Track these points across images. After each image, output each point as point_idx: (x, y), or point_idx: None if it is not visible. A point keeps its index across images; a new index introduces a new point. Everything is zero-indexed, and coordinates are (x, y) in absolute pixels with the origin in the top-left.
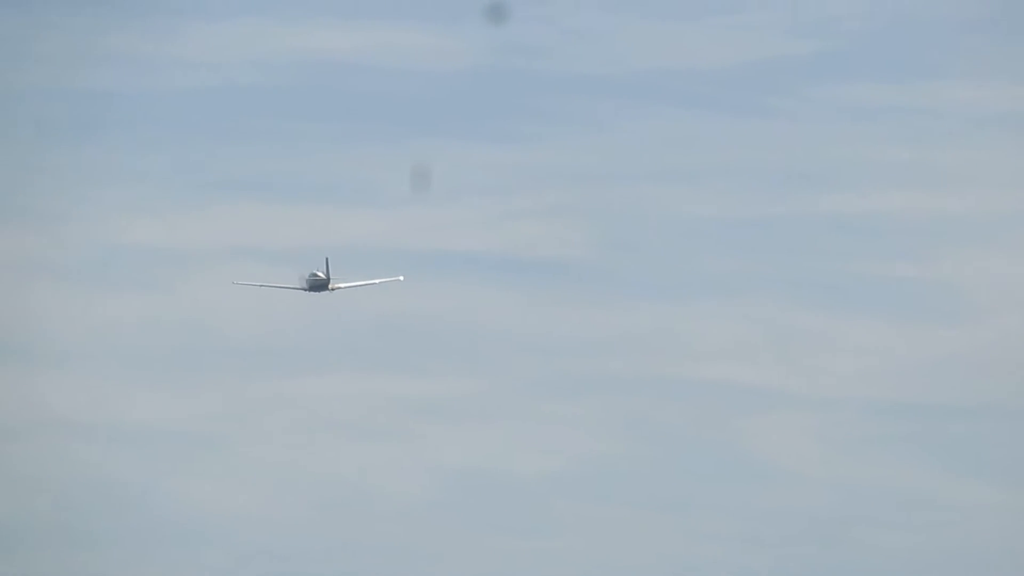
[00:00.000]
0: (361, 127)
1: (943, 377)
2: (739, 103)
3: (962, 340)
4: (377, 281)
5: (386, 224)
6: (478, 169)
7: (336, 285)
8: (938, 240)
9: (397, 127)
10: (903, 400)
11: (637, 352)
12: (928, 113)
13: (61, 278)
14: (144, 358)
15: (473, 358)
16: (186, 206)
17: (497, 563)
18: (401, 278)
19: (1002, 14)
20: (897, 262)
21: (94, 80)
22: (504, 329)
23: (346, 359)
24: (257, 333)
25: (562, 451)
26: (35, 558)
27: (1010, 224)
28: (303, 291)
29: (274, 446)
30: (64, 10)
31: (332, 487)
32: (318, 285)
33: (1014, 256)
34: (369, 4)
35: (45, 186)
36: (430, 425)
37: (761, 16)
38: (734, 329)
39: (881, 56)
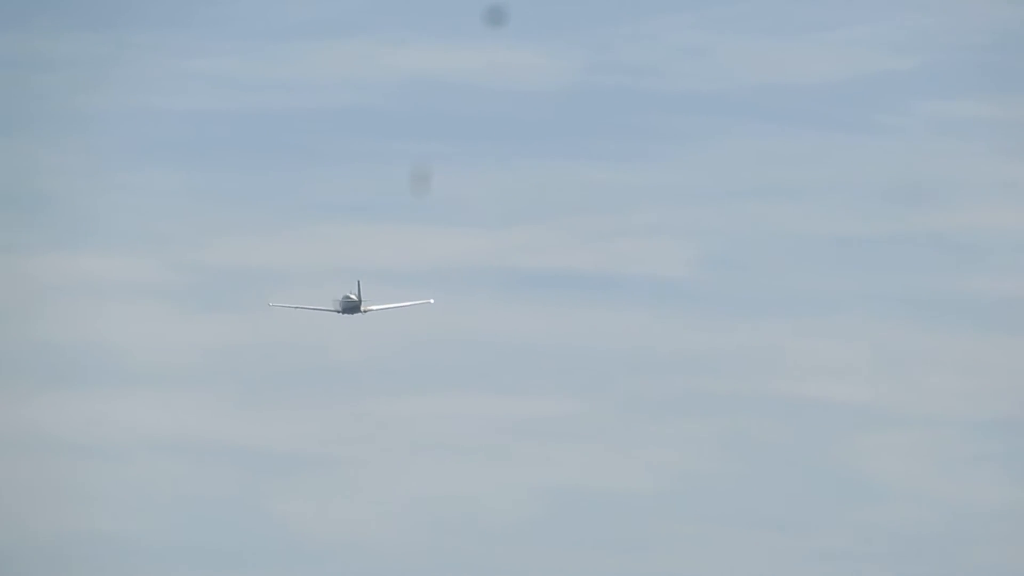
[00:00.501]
0: (463, 147)
1: None
2: (842, 119)
3: None
4: (408, 304)
5: (487, 243)
6: (581, 188)
7: (368, 308)
8: None
9: (499, 146)
10: (1007, 417)
11: (737, 370)
12: None
13: (164, 299)
14: (249, 380)
15: (573, 377)
16: (288, 227)
17: None
18: (431, 301)
19: None
20: (1003, 279)
21: (194, 102)
22: (605, 348)
23: (448, 379)
24: (360, 354)
25: (662, 470)
26: None
27: None
28: (337, 313)
29: (379, 466)
30: (162, 30)
31: (436, 506)
32: (351, 307)
33: None
34: (468, 24)
35: (146, 208)
36: (531, 444)
37: (864, 31)
38: (836, 347)
39: (986, 70)
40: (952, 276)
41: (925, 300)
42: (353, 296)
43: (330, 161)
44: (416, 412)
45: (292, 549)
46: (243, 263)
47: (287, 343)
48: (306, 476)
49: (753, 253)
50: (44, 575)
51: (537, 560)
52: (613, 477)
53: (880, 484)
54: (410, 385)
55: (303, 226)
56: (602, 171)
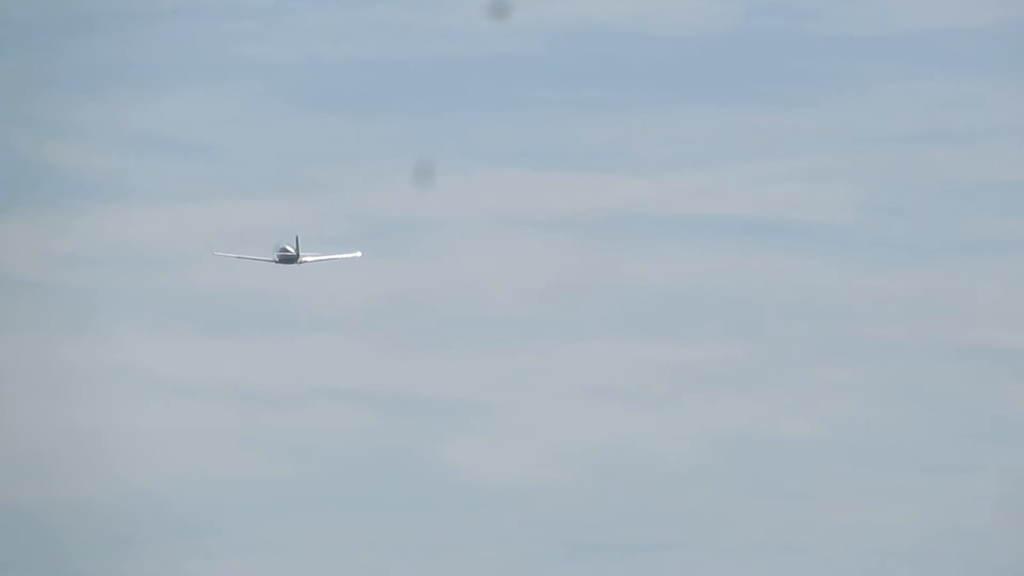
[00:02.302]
0: (621, 93)
1: None
2: (1004, 62)
3: None
4: (340, 257)
5: (647, 190)
6: (740, 133)
7: (304, 259)
8: None
9: (656, 92)
10: None
11: (904, 317)
12: None
13: (328, 248)
14: (409, 327)
15: (738, 323)
16: (447, 175)
17: (766, 528)
18: (359, 254)
19: None
20: None
21: (357, 50)
22: (768, 295)
23: (611, 325)
24: (520, 300)
25: (830, 416)
26: (313, 522)
27: None
28: (274, 263)
29: (542, 413)
30: None
31: (601, 453)
32: (288, 259)
33: None
34: None
35: (308, 155)
36: (697, 391)
37: None
38: (1002, 292)
39: None
40: None
41: None
42: (290, 248)
43: (488, 109)
44: (580, 358)
45: (456, 496)
46: (403, 211)
47: (449, 291)
48: (470, 423)
49: (916, 198)
50: (216, 520)
51: (702, 507)
52: (777, 423)
53: None
54: (574, 331)
55: (462, 173)
56: (763, 116)
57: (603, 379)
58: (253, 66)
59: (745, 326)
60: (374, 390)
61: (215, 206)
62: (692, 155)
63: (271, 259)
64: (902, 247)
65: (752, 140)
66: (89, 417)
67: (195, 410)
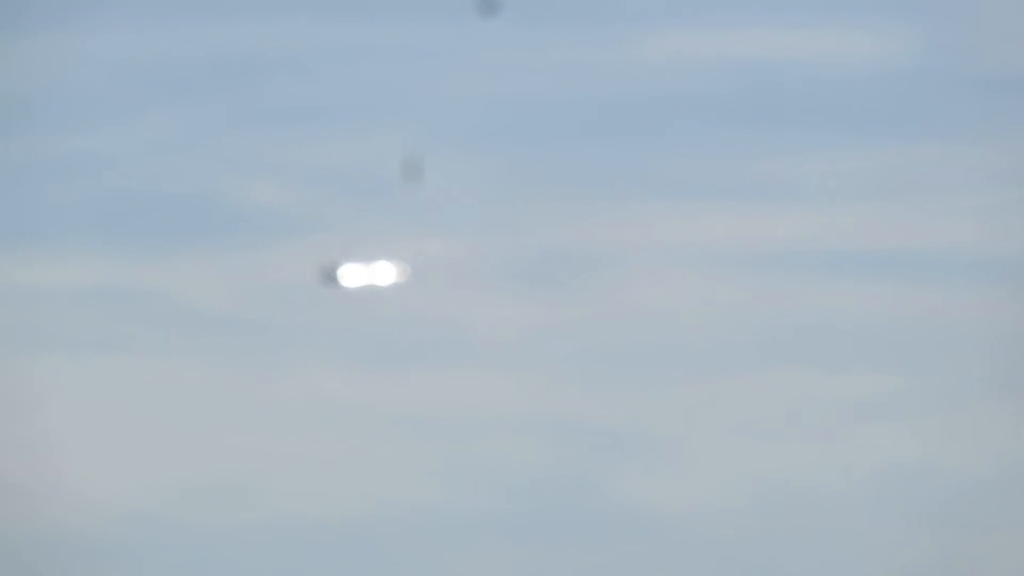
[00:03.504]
0: (795, 131)
1: None
2: None
3: None
4: (377, 280)
5: (816, 224)
6: (906, 169)
7: (343, 280)
8: None
9: (832, 130)
10: None
11: None
12: None
13: (501, 277)
14: (582, 358)
15: (913, 357)
16: (621, 207)
17: (930, 560)
18: (398, 278)
19: None
20: None
21: (534, 90)
22: (928, 327)
23: (775, 356)
24: (687, 332)
25: (993, 451)
26: (491, 552)
27: None
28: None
29: (715, 443)
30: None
31: (766, 485)
32: (331, 279)
33: None
34: (803, 5)
35: (492, 193)
36: (857, 423)
37: None
38: None
39: None
40: None
41: None
42: (334, 269)
43: (662, 145)
44: (741, 390)
45: (624, 526)
46: (578, 244)
47: (618, 320)
48: (637, 453)
49: None
50: (395, 546)
51: (867, 538)
52: (940, 456)
53: None
54: (735, 363)
55: (636, 206)
56: (930, 152)
57: (766, 411)
58: (436, 104)
59: (920, 360)
60: (549, 419)
61: (404, 239)
62: (856, 190)
63: (317, 279)
64: None
65: (915, 176)
66: (283, 446)
67: (372, 436)
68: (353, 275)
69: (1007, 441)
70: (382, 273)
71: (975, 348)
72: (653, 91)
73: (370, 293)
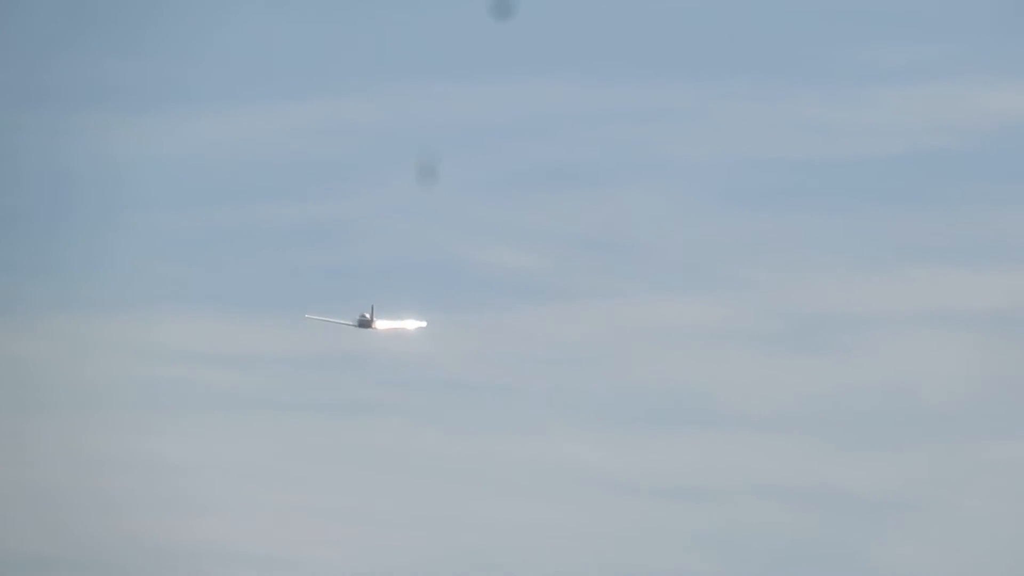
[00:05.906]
0: None
1: None
2: None
3: None
4: (407, 326)
5: None
6: None
7: (376, 326)
8: None
9: None
10: None
11: None
12: None
13: (750, 342)
14: (835, 422)
15: None
16: (873, 269)
17: None
18: (424, 324)
19: None
20: None
21: (780, 150)
22: None
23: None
24: (947, 396)
25: None
26: None
27: None
28: (355, 328)
29: (978, 511)
30: (751, 78)
31: None
32: (364, 323)
33: None
34: None
35: (726, 251)
36: None
37: None
38: None
39: None
40: None
41: None
42: (368, 315)
43: (915, 205)
44: (1010, 457)
45: None
46: (827, 307)
47: (875, 387)
48: (900, 519)
49: None
50: None
51: None
52: None
53: None
54: (1003, 428)
55: (888, 269)
56: None
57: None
58: (678, 165)
59: None
60: (800, 486)
61: (637, 301)
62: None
63: (352, 324)
64: None
65: None
66: (534, 514)
67: (621, 505)
68: (592, 339)
69: None
70: (621, 337)
71: None
72: (901, 151)
73: (609, 354)
